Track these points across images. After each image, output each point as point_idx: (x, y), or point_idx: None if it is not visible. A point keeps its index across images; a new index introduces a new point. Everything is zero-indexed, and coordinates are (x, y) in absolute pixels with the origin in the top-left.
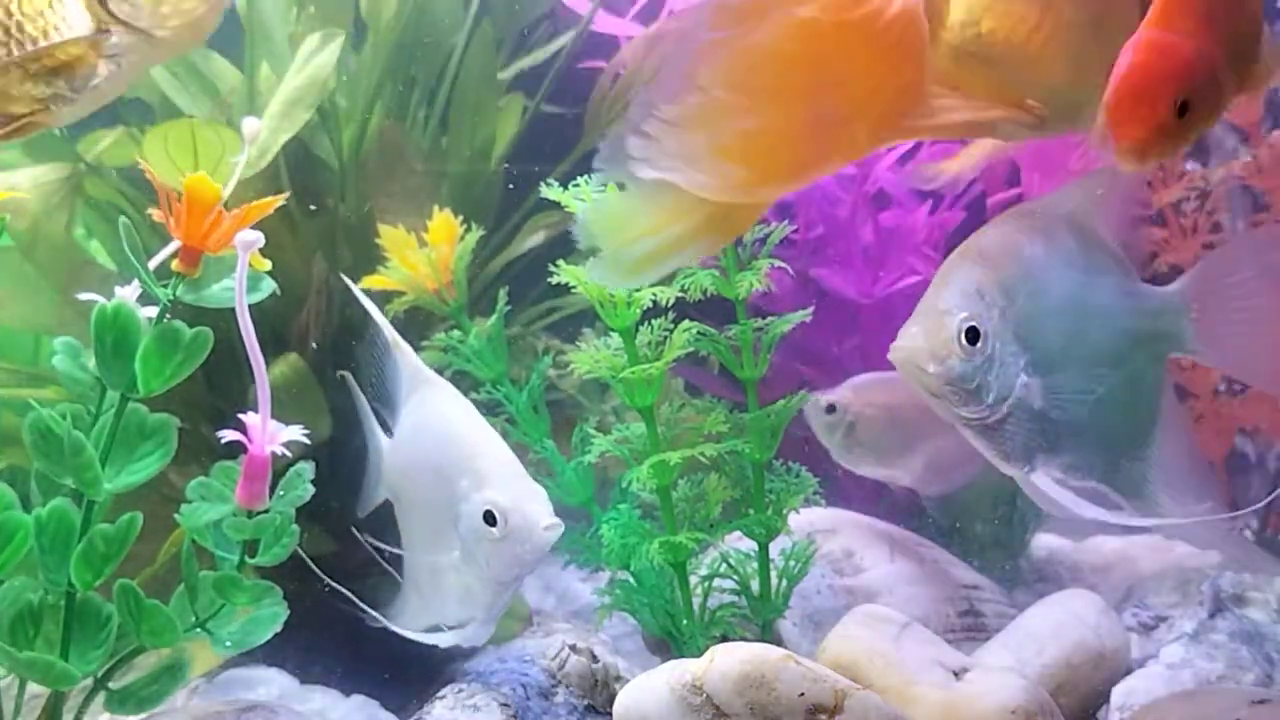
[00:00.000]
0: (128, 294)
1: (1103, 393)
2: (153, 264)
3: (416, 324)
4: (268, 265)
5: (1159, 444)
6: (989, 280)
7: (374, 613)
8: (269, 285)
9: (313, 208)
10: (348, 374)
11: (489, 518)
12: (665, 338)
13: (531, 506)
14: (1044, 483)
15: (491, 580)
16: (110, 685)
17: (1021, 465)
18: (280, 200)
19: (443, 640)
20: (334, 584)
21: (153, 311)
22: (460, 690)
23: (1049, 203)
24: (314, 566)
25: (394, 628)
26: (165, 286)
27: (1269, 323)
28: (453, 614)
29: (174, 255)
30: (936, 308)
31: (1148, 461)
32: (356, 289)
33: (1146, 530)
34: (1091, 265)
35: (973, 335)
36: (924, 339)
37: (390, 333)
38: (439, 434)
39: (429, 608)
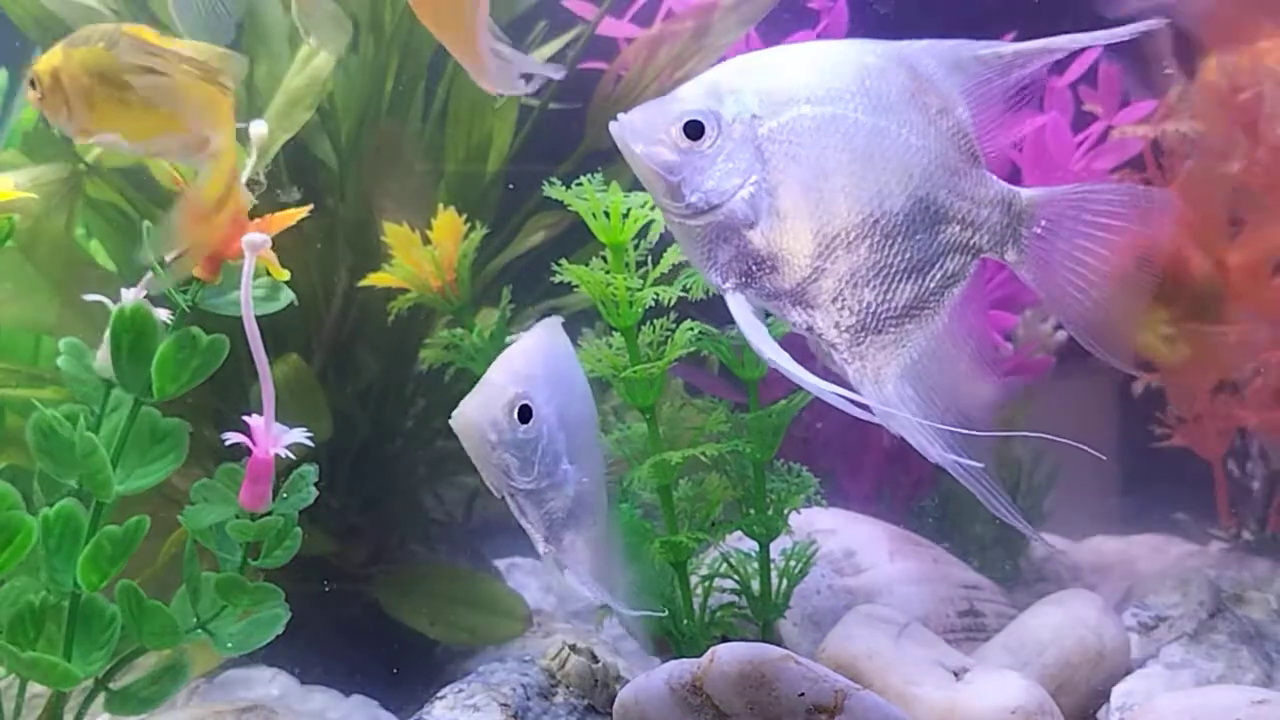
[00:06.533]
0: (133, 296)
1: (861, 238)
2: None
3: (418, 322)
4: (286, 275)
5: (930, 336)
6: (732, 84)
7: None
8: (287, 295)
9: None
10: None
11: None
12: (667, 337)
13: (487, 384)
14: (741, 305)
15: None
16: (111, 686)
17: (724, 279)
18: (305, 212)
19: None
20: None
21: (163, 314)
22: (460, 690)
23: (911, 46)
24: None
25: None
26: (184, 292)
27: (1097, 273)
28: (570, 541)
29: (178, 259)
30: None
31: (904, 346)
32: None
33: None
34: (918, 114)
35: (694, 130)
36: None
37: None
38: None
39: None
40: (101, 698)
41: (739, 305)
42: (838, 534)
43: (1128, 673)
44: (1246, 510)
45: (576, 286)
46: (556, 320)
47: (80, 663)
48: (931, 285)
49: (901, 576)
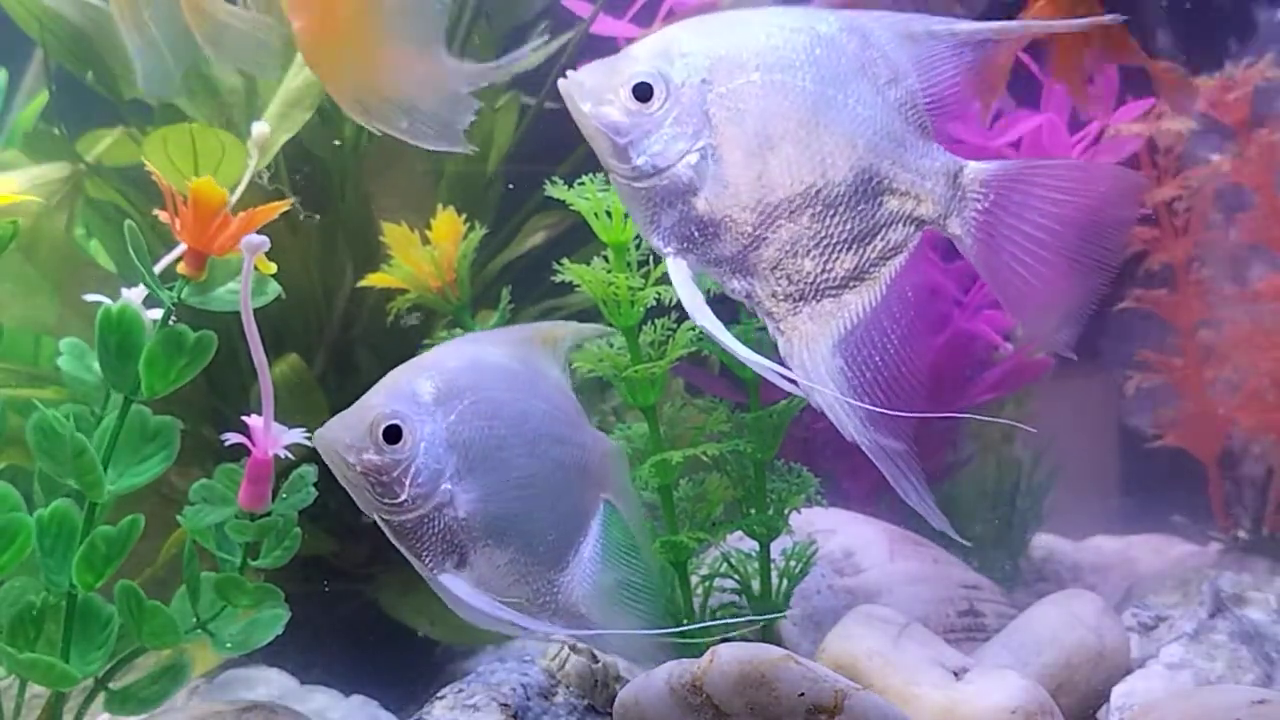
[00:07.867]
0: (134, 296)
1: (803, 207)
2: (159, 267)
3: (417, 322)
4: (273, 268)
5: (868, 307)
6: (683, 46)
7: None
8: (274, 289)
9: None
10: None
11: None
12: (668, 337)
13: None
14: (681, 271)
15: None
16: (111, 686)
17: (666, 243)
18: (286, 205)
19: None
20: None
21: (158, 314)
22: (460, 690)
23: (864, 15)
24: None
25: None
26: (170, 289)
27: (1045, 251)
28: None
29: (180, 259)
30: None
31: (840, 317)
32: None
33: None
34: (866, 84)
35: (644, 93)
36: None
37: None
38: None
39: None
40: (101, 697)
41: (678, 270)
42: (838, 534)
43: (1128, 673)
44: (1243, 510)
45: (577, 286)
46: (496, 332)
47: (78, 663)
48: (872, 256)
49: (901, 576)
